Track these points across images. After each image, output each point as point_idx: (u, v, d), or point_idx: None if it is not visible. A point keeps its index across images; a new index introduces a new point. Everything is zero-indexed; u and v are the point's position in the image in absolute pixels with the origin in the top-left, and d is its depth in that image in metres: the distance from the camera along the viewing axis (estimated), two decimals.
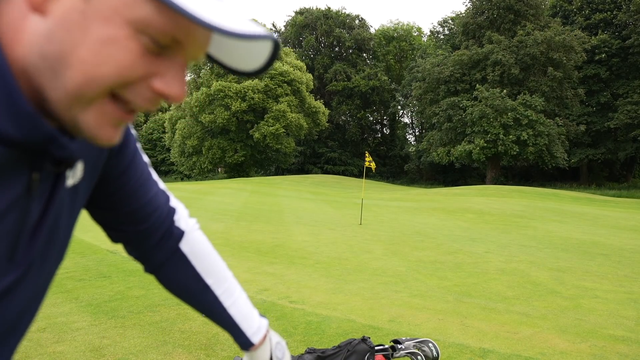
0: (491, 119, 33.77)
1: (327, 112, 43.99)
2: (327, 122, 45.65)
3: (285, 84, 39.83)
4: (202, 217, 11.12)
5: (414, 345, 1.60)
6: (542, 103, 33.80)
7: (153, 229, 0.85)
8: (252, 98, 38.26)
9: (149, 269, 0.91)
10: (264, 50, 0.58)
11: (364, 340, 1.47)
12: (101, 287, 4.74)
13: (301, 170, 49.33)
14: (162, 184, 0.88)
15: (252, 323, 0.94)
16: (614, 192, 31.91)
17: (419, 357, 1.58)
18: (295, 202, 16.77)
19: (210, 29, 0.47)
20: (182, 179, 46.76)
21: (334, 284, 5.28)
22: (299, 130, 40.50)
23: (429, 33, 54.85)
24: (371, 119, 55.70)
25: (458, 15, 46.12)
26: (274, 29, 56.71)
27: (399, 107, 53.92)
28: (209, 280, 0.91)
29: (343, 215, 12.68)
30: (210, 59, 0.63)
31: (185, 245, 0.89)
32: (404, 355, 1.59)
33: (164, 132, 52.61)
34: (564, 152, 34.48)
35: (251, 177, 39.83)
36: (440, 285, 5.43)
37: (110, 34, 0.47)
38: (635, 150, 36.36)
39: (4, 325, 0.60)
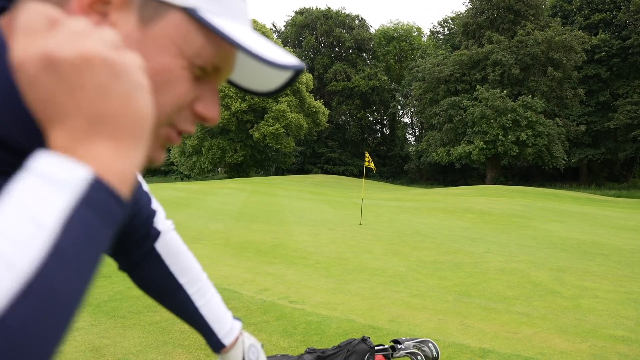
0: (491, 120, 33.79)
1: (327, 112, 44.00)
2: (327, 122, 45.66)
3: None
4: (202, 217, 11.12)
5: (413, 345, 1.60)
6: (542, 105, 33.80)
7: (134, 230, 0.86)
8: (252, 98, 38.26)
9: (123, 267, 0.92)
10: (285, 74, 0.60)
11: (363, 340, 1.47)
12: (101, 287, 4.74)
13: (301, 170, 49.34)
14: (145, 186, 0.89)
15: (224, 324, 0.94)
16: (614, 192, 31.91)
17: (419, 357, 1.58)
18: (295, 202, 16.77)
19: (258, 60, 0.49)
20: (182, 179, 46.75)
21: (334, 284, 5.28)
22: (299, 130, 40.52)
23: (429, 33, 54.92)
24: (371, 119, 55.72)
25: (458, 15, 46.14)
26: (274, 28, 56.74)
27: (399, 107, 53.96)
28: (182, 280, 0.92)
29: (343, 215, 12.68)
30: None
31: (160, 245, 0.91)
32: (404, 355, 1.59)
33: None
34: (563, 152, 34.48)
35: (251, 177, 39.84)
36: (440, 285, 5.43)
37: (167, 63, 0.48)
38: (635, 150, 36.39)
39: None
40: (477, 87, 35.66)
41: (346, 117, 53.76)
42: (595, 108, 38.53)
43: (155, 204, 0.91)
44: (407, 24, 57.34)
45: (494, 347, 3.54)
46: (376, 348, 1.49)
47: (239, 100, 38.20)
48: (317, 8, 53.88)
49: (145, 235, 0.89)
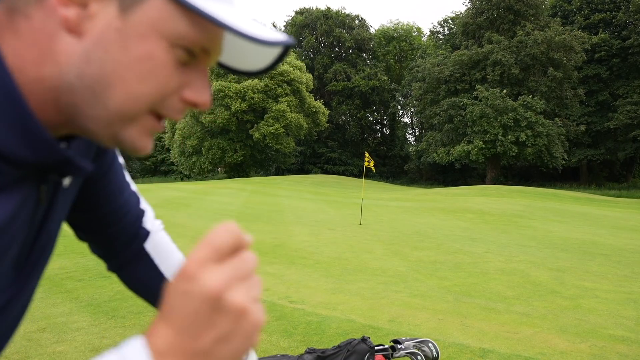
0: (491, 119, 33.78)
1: (327, 112, 43.98)
2: (327, 122, 45.63)
3: (285, 84, 39.83)
4: (202, 217, 11.12)
5: (413, 345, 1.59)
6: (542, 105, 33.80)
7: (123, 230, 0.86)
8: (252, 98, 38.26)
9: (112, 267, 0.91)
10: (273, 52, 0.59)
11: (363, 340, 1.47)
12: (101, 287, 4.74)
13: (301, 170, 49.33)
14: (134, 186, 0.88)
15: None
16: (614, 192, 31.90)
17: (418, 357, 1.58)
18: (295, 202, 16.77)
19: (246, 38, 0.48)
20: (182, 179, 46.75)
21: (334, 284, 5.28)
22: (299, 130, 40.50)
23: (429, 33, 54.92)
24: (371, 119, 55.71)
25: (458, 15, 46.14)
26: (273, 28, 56.63)
27: (399, 107, 53.95)
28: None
29: (343, 215, 12.68)
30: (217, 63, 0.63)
31: (149, 245, 0.90)
32: (404, 355, 1.59)
33: (164, 132, 52.60)
34: (563, 153, 34.48)
35: (251, 177, 39.83)
36: (440, 285, 5.43)
37: (148, 50, 0.47)
38: (635, 150, 36.39)
39: (8, 330, 0.61)
40: (477, 86, 35.66)
41: (346, 117, 53.74)
42: (595, 108, 38.53)
43: (144, 204, 0.91)
44: (407, 24, 57.37)
45: (494, 347, 3.54)
46: (376, 348, 1.49)
47: (239, 100, 38.18)
48: (317, 8, 53.86)
49: (135, 236, 0.88)
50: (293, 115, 39.34)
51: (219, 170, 46.56)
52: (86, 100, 0.48)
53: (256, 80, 38.86)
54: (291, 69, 39.93)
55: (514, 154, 33.83)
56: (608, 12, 37.69)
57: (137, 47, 0.47)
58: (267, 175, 43.37)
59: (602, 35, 36.81)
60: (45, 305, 4.17)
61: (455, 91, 38.81)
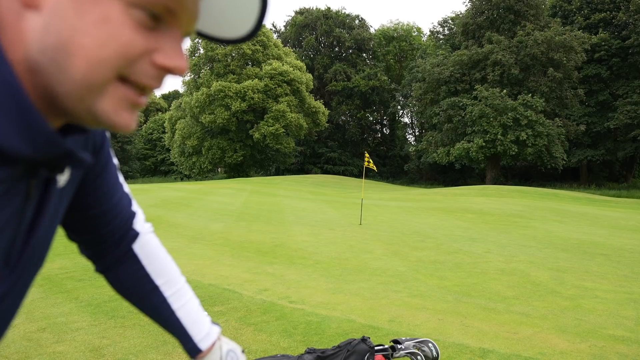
0: (491, 119, 33.76)
1: (326, 112, 43.99)
2: (327, 122, 45.66)
3: (285, 84, 39.83)
4: (202, 217, 11.12)
5: (413, 345, 1.60)
6: (542, 104, 33.79)
7: (114, 231, 0.86)
8: (252, 98, 38.27)
9: (100, 268, 0.91)
10: (252, 14, 0.58)
11: (363, 340, 1.47)
12: (101, 287, 4.74)
13: (301, 170, 49.34)
14: (126, 187, 0.88)
15: (201, 328, 0.92)
16: (614, 192, 31.89)
17: (418, 357, 1.58)
18: (295, 202, 16.77)
19: None
20: (182, 179, 46.77)
21: (333, 284, 5.28)
22: (299, 130, 40.51)
23: (429, 33, 54.85)
24: (371, 119, 55.73)
25: (458, 15, 46.11)
26: (273, 29, 56.74)
27: (399, 107, 53.94)
28: (159, 281, 0.91)
29: (343, 215, 12.68)
30: (199, 34, 0.62)
31: (137, 246, 0.90)
32: (404, 355, 1.59)
33: (163, 132, 52.65)
34: (563, 153, 34.46)
35: (251, 177, 39.83)
36: (440, 285, 5.43)
37: (103, 12, 0.46)
38: (635, 150, 36.38)
39: (2, 327, 0.62)
40: (477, 86, 35.65)
41: (346, 117, 53.76)
42: (595, 108, 38.52)
43: (135, 206, 0.90)
44: (407, 24, 57.35)
45: (494, 347, 3.54)
46: (376, 348, 1.49)
47: (239, 100, 38.19)
48: (317, 8, 53.87)
49: (124, 237, 0.88)
50: (293, 115, 39.34)
51: (219, 170, 46.58)
52: (54, 77, 0.47)
53: (256, 80, 38.85)
54: (291, 69, 39.92)
55: (513, 153, 33.81)
56: (608, 12, 37.67)
57: (91, 10, 0.46)
58: (267, 175, 43.37)
59: (602, 35, 36.79)
60: (45, 305, 4.17)
61: (455, 91, 38.81)
